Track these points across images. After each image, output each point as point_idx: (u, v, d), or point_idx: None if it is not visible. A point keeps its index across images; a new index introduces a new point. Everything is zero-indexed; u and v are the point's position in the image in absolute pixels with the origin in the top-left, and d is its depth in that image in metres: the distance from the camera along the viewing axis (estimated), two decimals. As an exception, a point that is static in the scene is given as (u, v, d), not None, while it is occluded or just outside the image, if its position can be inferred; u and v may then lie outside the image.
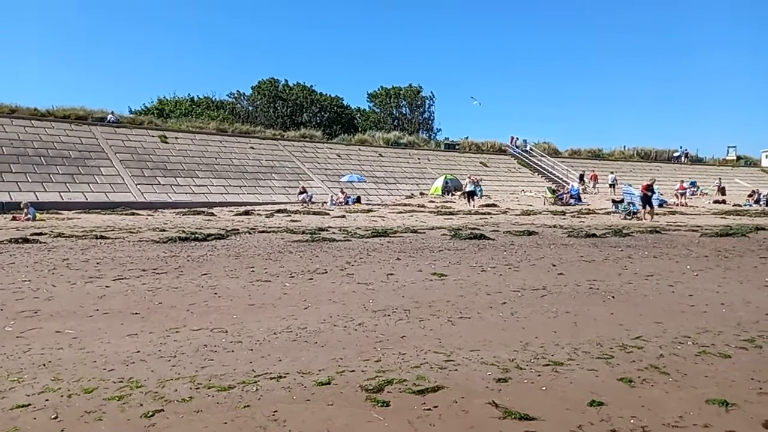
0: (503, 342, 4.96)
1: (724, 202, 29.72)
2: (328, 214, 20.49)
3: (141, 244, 11.50)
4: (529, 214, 21.23)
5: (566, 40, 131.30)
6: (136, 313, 5.88)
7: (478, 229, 14.96)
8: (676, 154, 51.25)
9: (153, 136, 29.37)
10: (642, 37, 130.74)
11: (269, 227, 15.25)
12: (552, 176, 38.70)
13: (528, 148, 43.89)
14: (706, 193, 34.81)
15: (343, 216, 19.69)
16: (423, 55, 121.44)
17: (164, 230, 14.10)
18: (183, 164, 27.58)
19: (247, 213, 20.08)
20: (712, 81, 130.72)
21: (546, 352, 4.65)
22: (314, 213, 20.61)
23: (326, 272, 8.52)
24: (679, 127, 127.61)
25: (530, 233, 14.41)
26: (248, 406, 3.49)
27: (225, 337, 5.02)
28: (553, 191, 28.86)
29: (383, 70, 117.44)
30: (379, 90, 57.08)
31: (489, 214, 21.37)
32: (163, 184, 25.19)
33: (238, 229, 14.42)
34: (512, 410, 3.44)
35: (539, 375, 4.12)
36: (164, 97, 51.58)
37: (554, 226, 16.57)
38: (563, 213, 21.95)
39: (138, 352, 4.59)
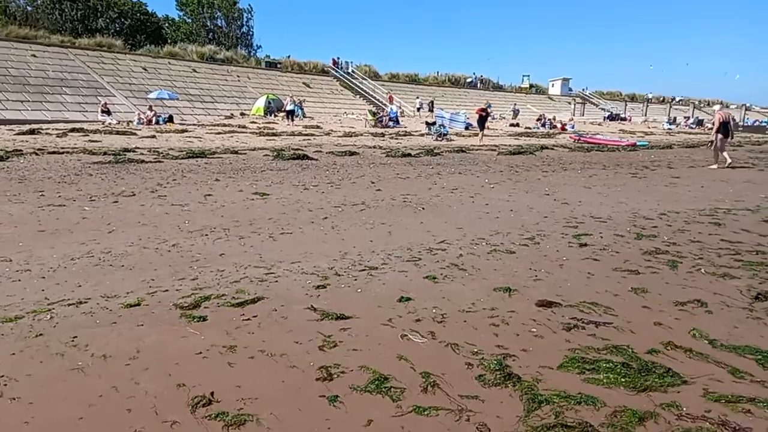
0: (323, 253, 5.13)
1: (517, 125, 33.58)
2: (135, 134, 18.45)
3: None
4: (351, 136, 21.63)
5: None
6: None
7: (302, 150, 14.88)
8: (469, 80, 54.83)
9: None
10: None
11: (62, 148, 13.29)
12: (373, 99, 39.63)
13: (350, 71, 44.01)
14: (504, 117, 38.93)
15: (153, 136, 17.94)
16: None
17: None
18: (-63, 72, 22.24)
19: (32, 132, 17.10)
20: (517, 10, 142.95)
21: (363, 259, 4.93)
22: (118, 133, 18.37)
23: (134, 194, 7.81)
24: (484, 54, 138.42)
25: (352, 153, 14.79)
26: (41, 334, 3.13)
27: (9, 266, 4.37)
28: (374, 114, 29.64)
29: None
30: (190, -4, 51.21)
31: (312, 135, 21.27)
32: None
33: (21, 150, 12.32)
34: (330, 312, 3.62)
35: (356, 279, 4.37)
36: None
37: (374, 147, 17.20)
38: (383, 135, 22.81)
39: None
